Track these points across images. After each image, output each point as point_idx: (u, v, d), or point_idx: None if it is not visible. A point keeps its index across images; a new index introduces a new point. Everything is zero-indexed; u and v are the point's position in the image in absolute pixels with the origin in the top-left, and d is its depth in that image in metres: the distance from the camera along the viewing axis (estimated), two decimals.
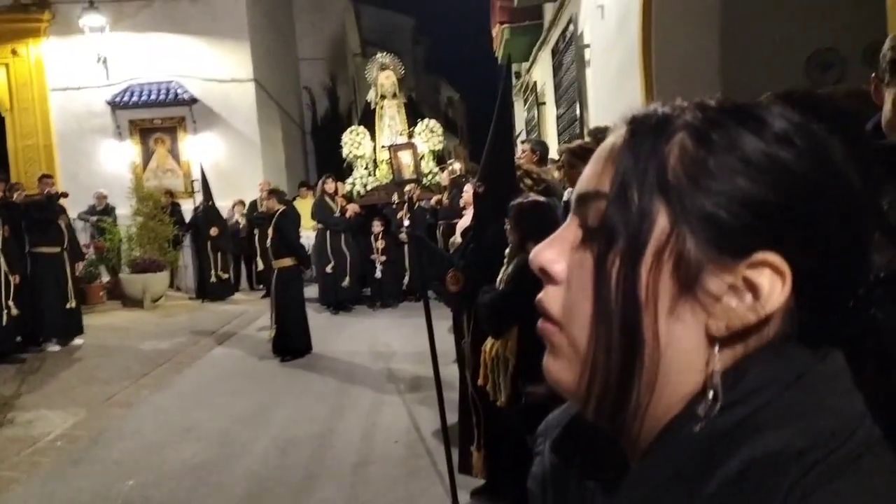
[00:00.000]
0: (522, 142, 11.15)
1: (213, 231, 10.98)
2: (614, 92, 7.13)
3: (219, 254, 11.11)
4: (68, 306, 7.96)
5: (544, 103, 11.90)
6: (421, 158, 10.76)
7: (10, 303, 7.11)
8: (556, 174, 4.84)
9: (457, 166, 9.79)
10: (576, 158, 3.53)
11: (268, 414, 5.46)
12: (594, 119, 7.98)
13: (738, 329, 0.52)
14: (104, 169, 12.02)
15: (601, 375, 0.54)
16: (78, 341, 7.99)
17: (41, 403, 5.88)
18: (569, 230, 0.58)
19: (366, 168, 11.18)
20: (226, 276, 11.28)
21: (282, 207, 7.29)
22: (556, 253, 0.58)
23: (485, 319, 3.01)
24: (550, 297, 0.57)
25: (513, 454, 3.29)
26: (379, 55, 11.61)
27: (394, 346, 7.43)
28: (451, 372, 4.23)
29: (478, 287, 3.21)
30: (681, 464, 0.51)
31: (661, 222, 0.52)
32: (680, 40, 5.86)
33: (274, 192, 7.59)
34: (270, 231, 7.24)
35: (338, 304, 9.83)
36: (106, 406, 5.82)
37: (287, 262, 7.20)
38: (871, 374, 0.53)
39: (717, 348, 0.53)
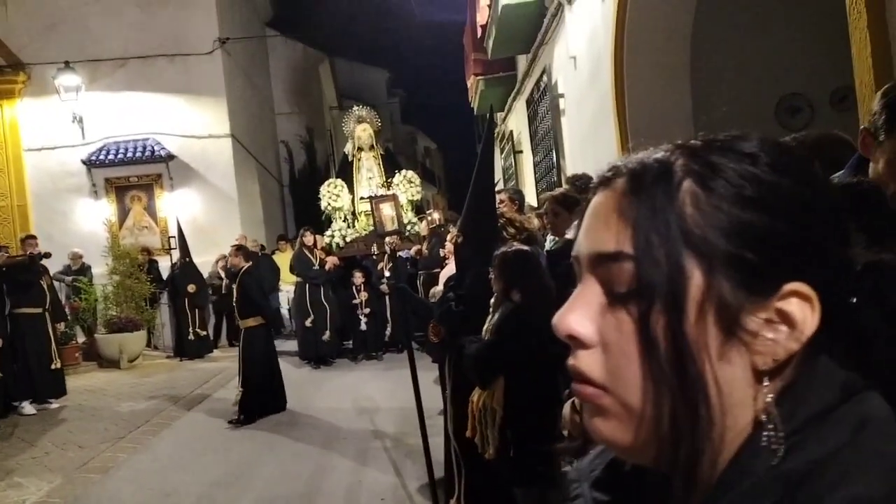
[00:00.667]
0: (499, 191, 11.25)
1: (191, 288, 10.85)
2: (589, 139, 7.25)
3: (196, 311, 10.95)
4: (53, 367, 7.81)
5: (521, 151, 12.06)
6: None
7: None
8: (536, 222, 4.87)
9: (435, 216, 9.83)
10: (560, 206, 3.56)
11: (249, 475, 5.31)
12: (571, 166, 8.09)
13: (783, 360, 0.54)
14: (79, 228, 11.90)
15: (668, 431, 0.54)
16: (55, 405, 7.77)
17: (15, 470, 5.67)
18: (589, 292, 0.59)
19: (344, 220, 11.17)
20: (204, 333, 11.10)
21: (247, 265, 7.13)
22: (581, 317, 0.58)
23: (471, 370, 2.98)
24: (586, 362, 0.58)
25: None
26: (355, 108, 11.74)
27: (377, 400, 7.31)
28: (438, 424, 4.15)
29: (455, 336, 3.18)
30: None
31: (695, 274, 0.53)
32: (652, 88, 5.99)
33: (240, 249, 7.40)
34: (235, 289, 7.10)
35: (318, 359, 9.69)
36: (82, 472, 5.62)
37: (252, 321, 7.04)
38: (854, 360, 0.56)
39: (765, 381, 0.55)
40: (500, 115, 13.91)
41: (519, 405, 2.83)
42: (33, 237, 8.54)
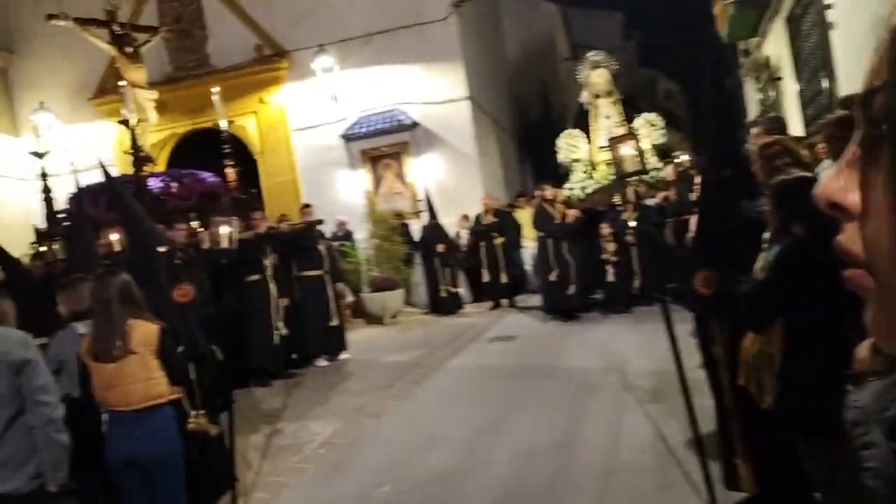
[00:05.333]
0: (753, 123, 10.24)
1: (440, 248, 11.36)
2: (869, 52, 6.23)
3: (447, 269, 11.46)
4: (331, 324, 8.51)
5: (780, 78, 10.82)
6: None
7: (280, 324, 7.85)
8: (805, 153, 4.31)
9: (683, 158, 9.21)
10: (844, 130, 3.07)
11: (506, 423, 5.45)
12: (845, 89, 7.04)
13: None
14: (341, 197, 13.00)
15: None
16: (344, 356, 8.60)
17: (304, 415, 6.40)
18: (851, 151, 0.50)
19: (584, 171, 10.94)
20: (455, 290, 11.59)
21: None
22: (845, 181, 0.49)
23: (743, 313, 2.69)
24: (850, 236, 0.50)
25: (782, 462, 2.92)
26: (590, 54, 11.35)
27: (628, 354, 7.10)
28: (696, 378, 3.88)
29: (730, 284, 2.90)
30: None
31: None
32: None
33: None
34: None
35: (565, 313, 9.65)
36: (359, 416, 6.19)
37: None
38: None
39: None
40: (752, 42, 12.59)
41: (800, 350, 2.51)
42: (309, 206, 9.35)
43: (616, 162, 9.84)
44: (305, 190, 13.22)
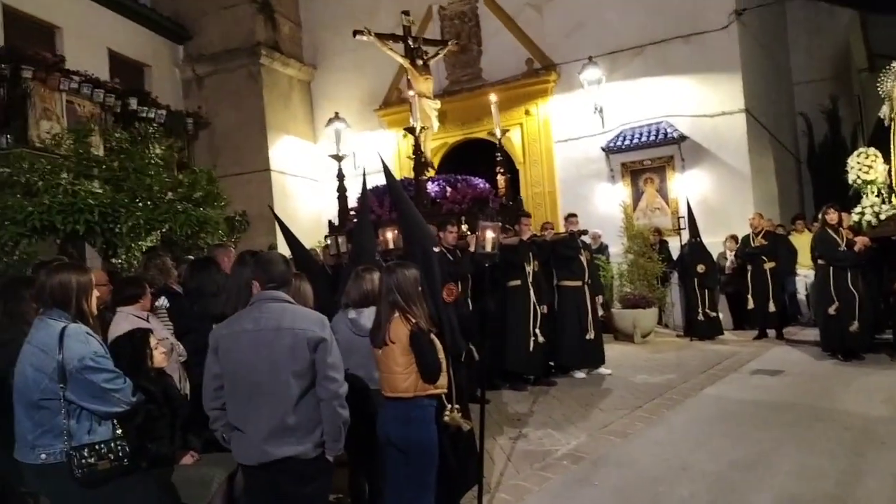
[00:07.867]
0: None
1: (700, 268, 10.78)
2: None
3: (706, 291, 10.83)
4: (587, 337, 8.35)
5: None
6: None
7: (538, 331, 7.94)
8: None
9: None
10: None
11: (768, 463, 5.01)
12: None
13: None
14: (598, 210, 12.89)
15: None
16: (604, 371, 8.43)
17: (549, 423, 6.45)
18: None
19: (878, 195, 9.65)
20: (714, 314, 10.92)
21: None
22: None
23: None
24: None
25: None
26: (894, 63, 9.99)
27: None
28: None
29: None
30: None
31: None
32: None
33: None
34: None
35: (845, 351, 8.60)
36: (604, 433, 6.08)
37: None
38: None
39: None
40: None
41: None
42: (574, 215, 9.22)
43: None
44: (563, 201, 13.36)
